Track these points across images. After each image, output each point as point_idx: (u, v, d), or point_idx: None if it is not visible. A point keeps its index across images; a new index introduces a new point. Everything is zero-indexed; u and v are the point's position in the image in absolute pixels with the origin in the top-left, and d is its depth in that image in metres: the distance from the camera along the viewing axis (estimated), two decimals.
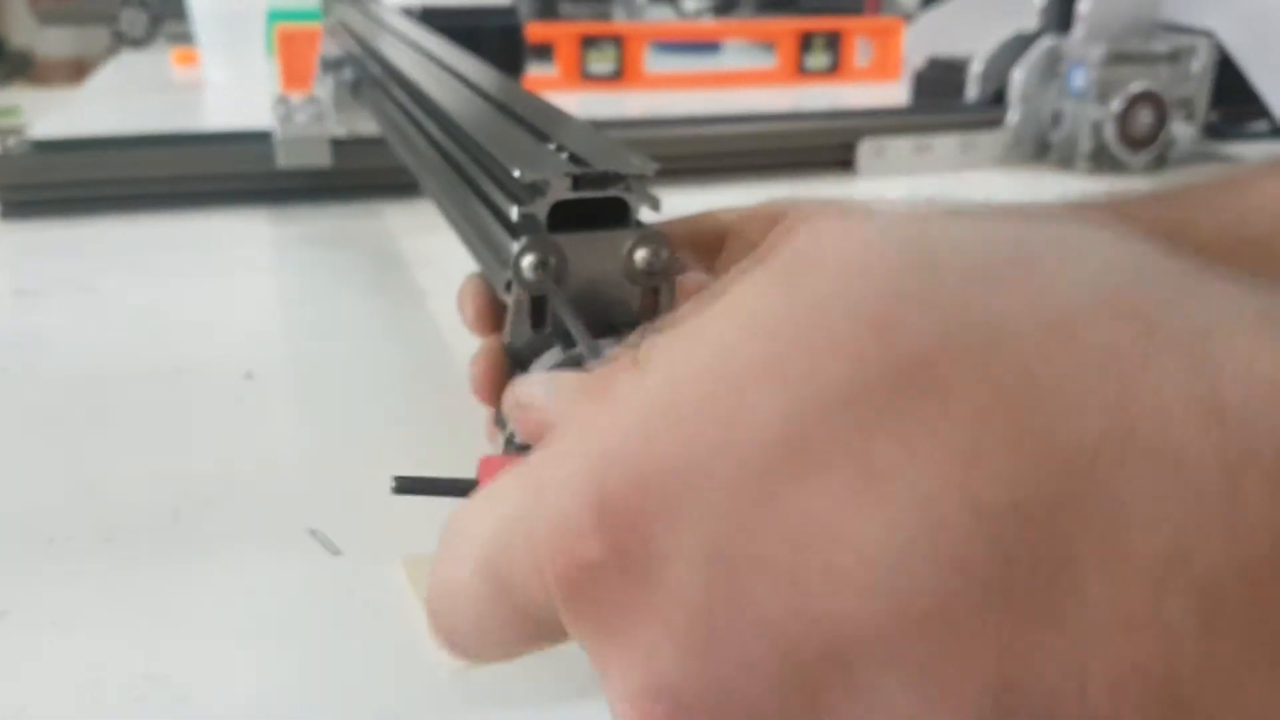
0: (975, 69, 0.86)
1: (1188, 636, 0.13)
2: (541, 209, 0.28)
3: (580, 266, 0.28)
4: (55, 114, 1.06)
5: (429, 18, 0.88)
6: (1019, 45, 0.83)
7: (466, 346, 0.31)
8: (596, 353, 0.26)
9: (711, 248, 0.35)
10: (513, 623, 0.18)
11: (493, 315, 0.31)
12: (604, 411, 0.16)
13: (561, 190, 0.27)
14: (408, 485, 0.25)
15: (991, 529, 0.13)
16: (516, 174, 0.28)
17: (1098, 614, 0.13)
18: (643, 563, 0.15)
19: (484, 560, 0.18)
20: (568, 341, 0.28)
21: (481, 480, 0.24)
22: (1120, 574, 0.13)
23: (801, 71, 1.20)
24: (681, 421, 0.15)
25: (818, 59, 1.20)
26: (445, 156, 0.39)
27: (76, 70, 2.54)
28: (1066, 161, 0.81)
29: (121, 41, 1.51)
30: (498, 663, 0.21)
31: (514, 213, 0.28)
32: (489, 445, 0.30)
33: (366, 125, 0.66)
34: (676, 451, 0.15)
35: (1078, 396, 0.14)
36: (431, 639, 0.20)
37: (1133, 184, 0.74)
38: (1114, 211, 0.41)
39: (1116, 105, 0.78)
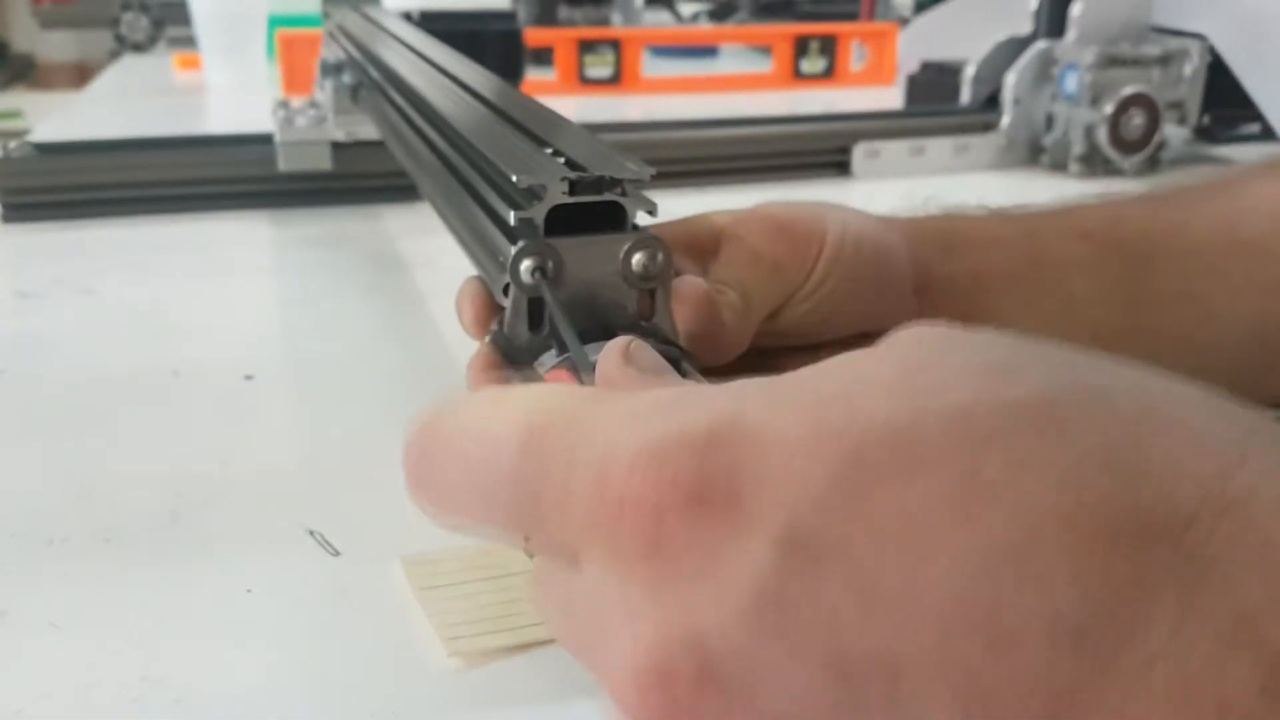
0: (969, 73, 0.86)
1: (1245, 704, 0.13)
2: (539, 213, 0.28)
3: (577, 270, 0.28)
4: (57, 117, 1.06)
5: (428, 22, 0.88)
6: (1012, 49, 0.84)
7: (466, 348, 0.31)
8: (586, 362, 0.26)
9: (706, 250, 0.36)
10: (503, 502, 0.18)
11: (491, 318, 0.31)
12: (725, 389, 0.17)
13: (558, 195, 0.28)
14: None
15: (1082, 561, 0.14)
16: (514, 179, 0.28)
17: (1161, 673, 0.14)
18: (722, 518, 0.15)
19: (530, 432, 0.18)
20: (564, 345, 0.28)
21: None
22: (1191, 634, 0.14)
23: (797, 76, 1.21)
24: (803, 404, 0.16)
25: (813, 63, 1.21)
26: (444, 161, 0.40)
27: (78, 74, 2.55)
28: (1059, 164, 0.82)
29: (123, 45, 1.51)
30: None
31: (511, 217, 0.28)
32: None
33: (366, 129, 0.67)
34: (791, 425, 0.16)
35: (1182, 465, 0.15)
36: (405, 477, 0.20)
37: (1125, 186, 0.75)
38: (1110, 215, 0.42)
39: (1109, 108, 0.78)
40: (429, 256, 0.63)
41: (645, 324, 0.29)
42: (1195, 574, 0.14)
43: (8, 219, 0.69)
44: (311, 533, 0.34)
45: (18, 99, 2.56)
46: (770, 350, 0.36)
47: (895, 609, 0.14)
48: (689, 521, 0.16)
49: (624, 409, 0.18)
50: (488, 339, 0.30)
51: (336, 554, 0.33)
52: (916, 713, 0.15)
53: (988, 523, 0.14)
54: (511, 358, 0.29)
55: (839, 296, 0.36)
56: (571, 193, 0.28)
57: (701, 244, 0.36)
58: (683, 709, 0.16)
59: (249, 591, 0.31)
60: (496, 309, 0.31)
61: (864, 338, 0.38)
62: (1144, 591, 0.14)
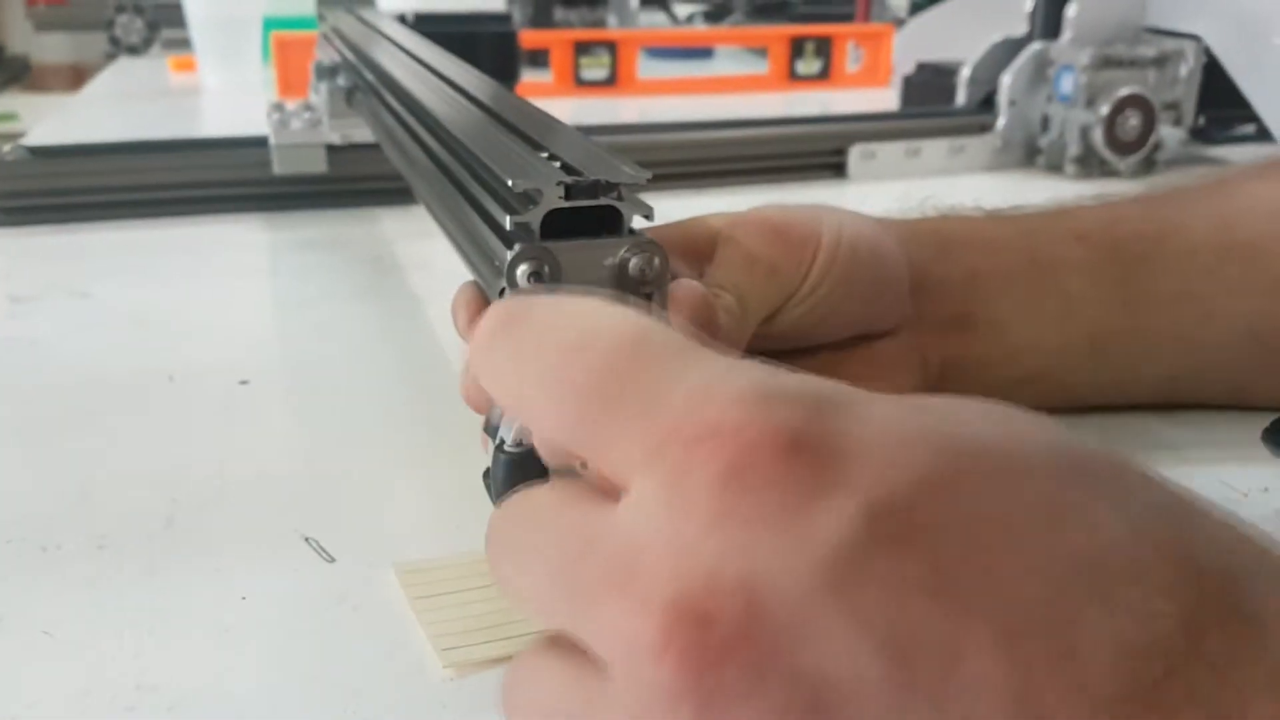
0: (964, 74, 0.86)
1: None
2: (535, 218, 0.28)
3: (573, 274, 0.28)
4: (52, 120, 1.06)
5: (423, 24, 0.88)
6: (1007, 50, 0.84)
7: (461, 352, 0.31)
8: None
9: (702, 254, 0.36)
10: (579, 394, 0.17)
11: None
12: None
13: (554, 199, 0.28)
14: None
15: (1145, 592, 0.15)
16: (510, 183, 0.28)
17: (1200, 711, 0.15)
18: (820, 473, 0.15)
19: (638, 337, 0.18)
20: None
21: None
22: (1233, 679, 0.15)
23: (793, 77, 1.21)
24: (907, 405, 0.17)
25: (809, 65, 1.21)
26: (439, 164, 0.40)
27: (73, 76, 2.54)
28: (1055, 165, 0.82)
29: (118, 48, 1.51)
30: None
31: (508, 221, 0.28)
32: (483, 452, 0.31)
33: (361, 132, 0.67)
34: (899, 418, 0.16)
35: (1233, 533, 0.17)
36: None
37: (1121, 187, 0.75)
38: (1106, 216, 0.42)
39: (1104, 109, 0.78)
40: (424, 259, 0.62)
41: None
42: (1240, 624, 0.15)
43: (2, 222, 0.69)
44: (307, 539, 0.34)
45: (12, 101, 2.55)
46: (766, 354, 0.36)
47: (970, 600, 0.15)
48: (782, 464, 0.15)
49: (730, 359, 0.17)
50: None
51: (331, 560, 0.33)
52: (966, 703, 0.15)
53: (1070, 539, 0.15)
54: None
55: (835, 299, 0.36)
56: (567, 197, 0.28)
57: (697, 247, 0.36)
58: (710, 656, 0.15)
59: (244, 598, 0.31)
60: None
61: (860, 340, 0.38)
62: (1194, 631, 0.15)
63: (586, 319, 0.18)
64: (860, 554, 0.15)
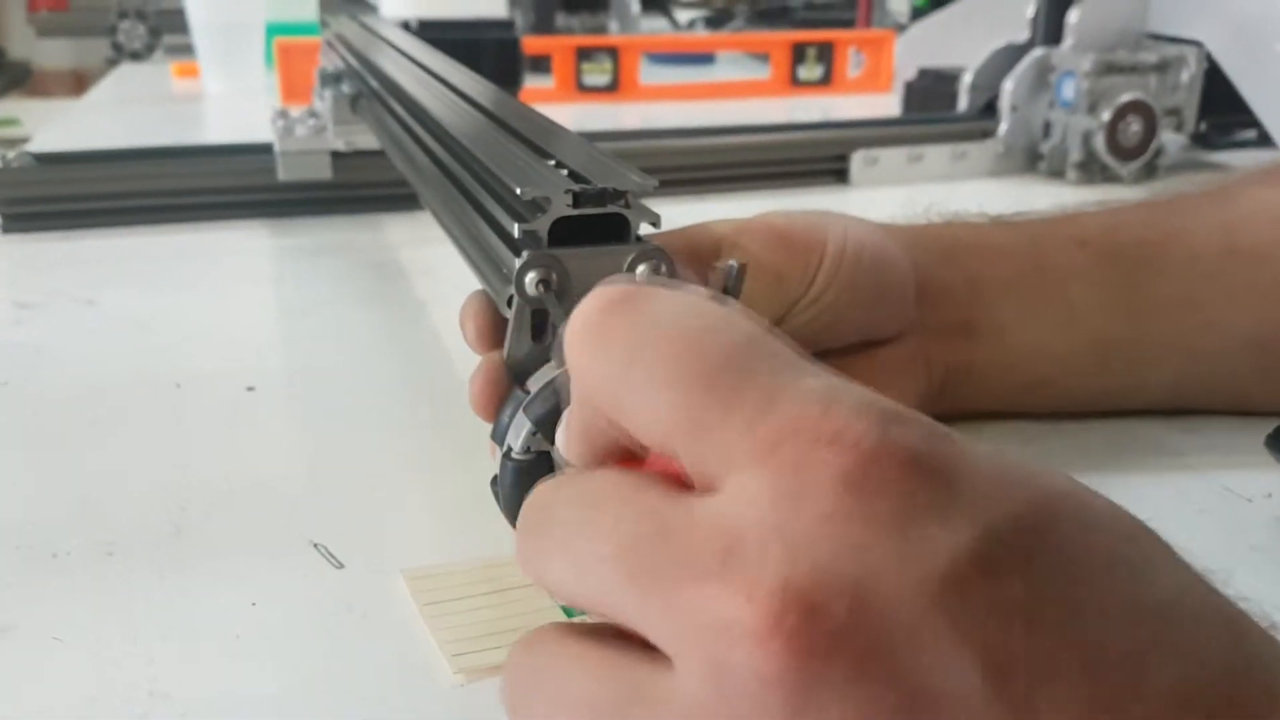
0: (966, 80, 0.86)
1: None
2: (543, 225, 0.28)
3: (581, 281, 0.29)
4: (56, 127, 1.06)
5: (426, 31, 0.88)
6: (1009, 56, 0.84)
7: (468, 358, 0.31)
8: None
9: (706, 260, 0.36)
10: (700, 379, 0.17)
11: (494, 333, 0.31)
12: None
13: (562, 207, 0.28)
14: None
15: (1207, 643, 0.17)
16: (519, 191, 0.28)
17: None
18: (938, 492, 0.16)
19: (766, 336, 0.18)
20: (563, 358, 0.28)
21: None
22: None
23: (794, 83, 1.21)
24: (993, 456, 0.17)
25: (810, 70, 1.21)
26: (444, 171, 0.40)
27: (75, 82, 2.55)
28: (1057, 171, 0.82)
29: (121, 54, 1.51)
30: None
31: (516, 229, 0.29)
32: (490, 459, 0.31)
33: (366, 139, 0.67)
34: (991, 467, 0.17)
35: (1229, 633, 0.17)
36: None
37: (1123, 193, 0.75)
38: (1109, 222, 0.42)
39: (1106, 115, 0.78)
40: (429, 265, 0.63)
41: None
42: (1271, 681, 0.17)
43: (7, 229, 0.69)
44: (315, 545, 0.34)
45: (14, 106, 2.56)
46: None
47: (1063, 629, 0.16)
48: (904, 478, 0.16)
49: (839, 376, 0.18)
50: (503, 355, 0.30)
51: (340, 566, 0.33)
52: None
53: (1138, 589, 0.17)
54: (513, 369, 0.29)
55: (840, 305, 0.36)
56: (576, 205, 0.28)
57: (701, 254, 0.36)
58: (818, 646, 0.15)
59: (253, 604, 0.31)
60: (501, 323, 0.31)
61: (865, 346, 0.38)
62: (1235, 679, 0.16)
63: (704, 315, 0.18)
64: (971, 573, 0.16)
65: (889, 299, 0.38)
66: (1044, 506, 0.17)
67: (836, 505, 0.16)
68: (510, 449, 0.28)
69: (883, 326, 0.38)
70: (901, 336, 0.39)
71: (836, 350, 0.38)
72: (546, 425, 0.27)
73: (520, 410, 0.28)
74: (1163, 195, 0.45)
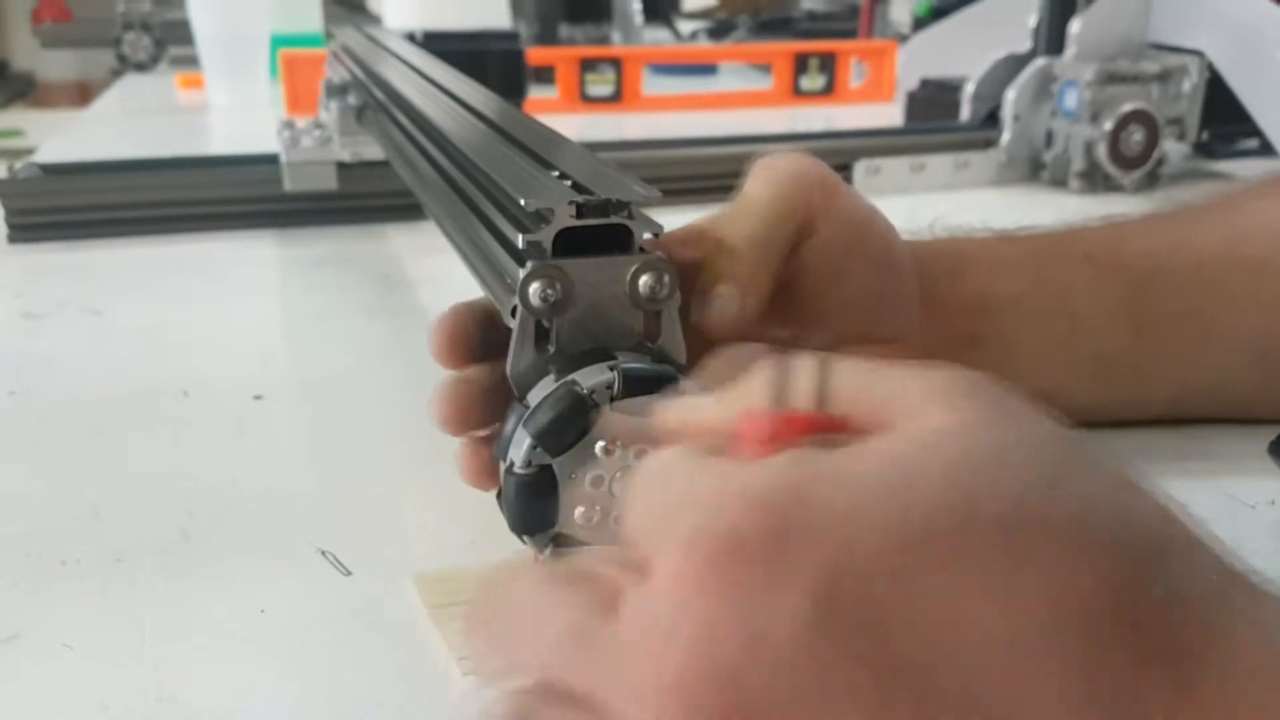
0: (968, 90, 0.87)
1: None
2: (547, 236, 0.28)
3: (584, 291, 0.29)
4: (61, 137, 1.07)
5: (431, 42, 0.89)
6: (1011, 66, 0.84)
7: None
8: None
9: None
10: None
11: (466, 346, 0.32)
12: (796, 460, 0.19)
13: (566, 218, 0.28)
14: None
15: (1092, 666, 0.17)
16: (523, 202, 0.29)
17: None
18: (763, 569, 0.17)
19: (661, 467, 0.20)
20: (562, 370, 0.28)
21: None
22: None
23: (797, 93, 1.21)
24: (865, 491, 0.18)
25: (813, 80, 1.22)
26: (449, 182, 0.40)
27: (79, 93, 2.56)
28: (1059, 180, 0.82)
29: (125, 65, 1.52)
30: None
31: (520, 240, 0.29)
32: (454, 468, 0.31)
33: (371, 149, 0.67)
34: (853, 510, 0.18)
35: (1183, 602, 0.18)
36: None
37: (1125, 203, 0.75)
38: (1113, 236, 0.42)
39: (1108, 125, 0.79)
40: (434, 275, 0.63)
41: (651, 345, 0.30)
42: (1183, 697, 0.17)
43: (14, 240, 0.70)
44: (323, 552, 0.34)
45: (18, 117, 2.57)
46: (781, 341, 0.36)
47: (895, 677, 0.17)
48: (733, 566, 0.18)
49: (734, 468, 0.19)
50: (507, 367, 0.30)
51: (348, 573, 0.33)
52: None
53: (1014, 603, 0.17)
54: (516, 381, 0.29)
55: (850, 247, 0.36)
56: (579, 216, 0.28)
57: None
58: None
59: (261, 611, 0.31)
60: (471, 339, 0.31)
61: (867, 346, 0.38)
62: (1141, 704, 0.17)
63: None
64: (811, 638, 0.17)
65: (893, 278, 0.37)
66: (896, 552, 0.17)
67: (695, 599, 0.18)
68: (513, 463, 0.28)
69: (887, 314, 0.37)
70: (905, 341, 0.39)
71: (847, 339, 0.37)
72: (548, 439, 0.28)
73: (521, 425, 0.28)
74: (1167, 207, 0.45)
